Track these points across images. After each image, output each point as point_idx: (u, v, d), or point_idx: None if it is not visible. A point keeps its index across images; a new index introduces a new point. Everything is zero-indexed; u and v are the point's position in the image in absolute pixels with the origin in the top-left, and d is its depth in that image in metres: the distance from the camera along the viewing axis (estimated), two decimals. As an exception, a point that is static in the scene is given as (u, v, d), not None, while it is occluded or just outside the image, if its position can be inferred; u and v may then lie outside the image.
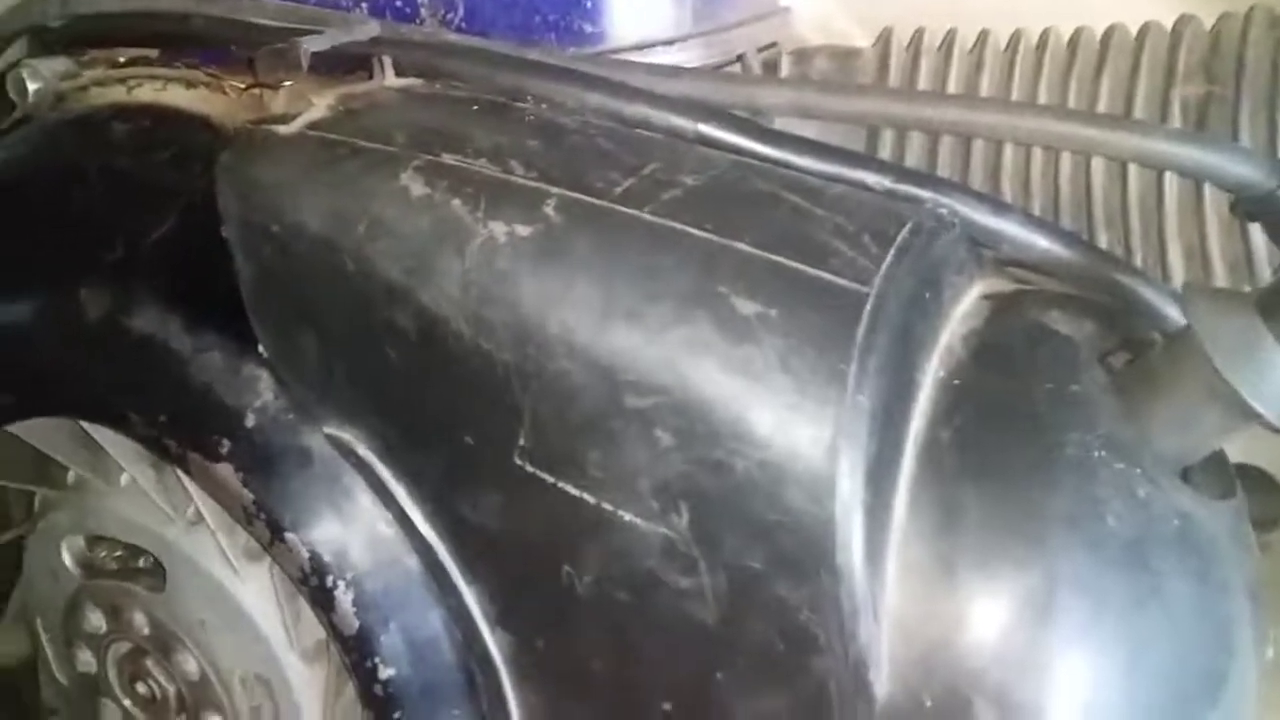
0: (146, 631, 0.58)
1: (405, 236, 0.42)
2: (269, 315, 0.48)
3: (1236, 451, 0.48)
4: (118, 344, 0.52)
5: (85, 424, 0.55)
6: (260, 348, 0.47)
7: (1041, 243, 0.46)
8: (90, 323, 0.53)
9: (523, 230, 0.40)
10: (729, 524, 0.39)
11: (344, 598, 0.47)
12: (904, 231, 0.41)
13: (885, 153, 0.56)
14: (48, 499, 0.62)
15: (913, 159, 0.55)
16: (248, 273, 0.47)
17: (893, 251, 0.40)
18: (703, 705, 0.42)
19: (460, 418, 0.43)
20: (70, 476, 0.60)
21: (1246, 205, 0.42)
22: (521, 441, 0.41)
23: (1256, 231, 0.48)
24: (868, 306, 0.38)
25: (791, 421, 0.38)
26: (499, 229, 0.41)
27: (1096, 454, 0.39)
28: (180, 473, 0.51)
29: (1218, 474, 0.44)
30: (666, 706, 0.42)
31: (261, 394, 0.48)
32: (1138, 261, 0.51)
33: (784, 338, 0.38)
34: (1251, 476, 0.60)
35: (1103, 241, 0.52)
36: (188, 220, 0.51)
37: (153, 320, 0.51)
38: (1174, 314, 0.46)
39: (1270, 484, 0.60)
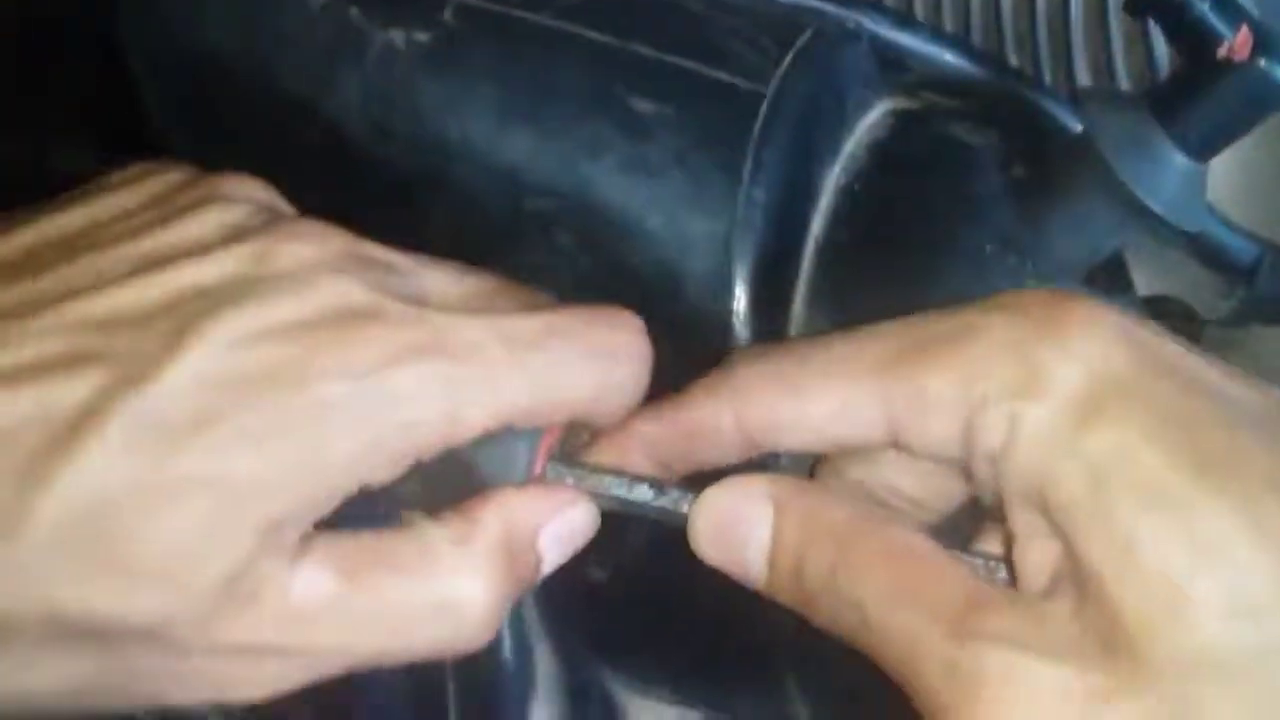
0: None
1: (307, 48, 0.42)
2: (180, 147, 0.47)
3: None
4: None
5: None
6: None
7: (948, 57, 0.47)
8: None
9: (421, 36, 0.40)
10: (630, 323, 0.40)
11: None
12: (805, 37, 0.42)
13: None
14: None
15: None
16: (155, 105, 0.47)
17: (792, 54, 0.40)
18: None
19: (368, 231, 0.44)
20: None
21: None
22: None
23: (1158, 44, 0.48)
24: (764, 105, 0.39)
25: (687, 217, 0.38)
26: (397, 35, 0.41)
27: (988, 248, 0.40)
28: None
29: (1115, 277, 0.45)
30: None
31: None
32: (1047, 81, 0.52)
33: (680, 135, 0.38)
34: (1168, 306, 0.62)
35: (1013, 63, 0.52)
36: (93, 57, 0.51)
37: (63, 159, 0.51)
38: (1076, 129, 0.47)
39: (1187, 314, 0.61)
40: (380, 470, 0.27)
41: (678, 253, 0.38)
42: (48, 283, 0.27)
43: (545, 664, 0.47)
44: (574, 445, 0.32)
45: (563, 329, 0.29)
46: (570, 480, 0.30)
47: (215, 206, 0.29)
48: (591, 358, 0.29)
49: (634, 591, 0.44)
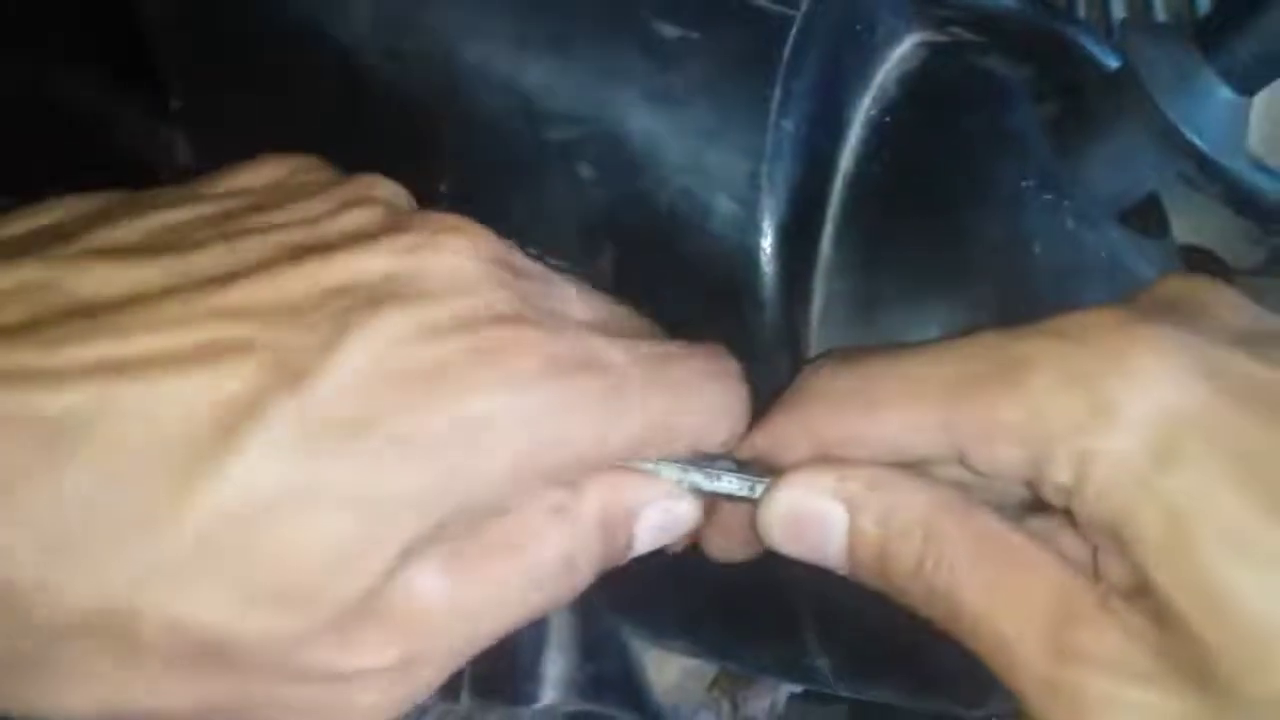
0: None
1: (314, -30, 0.40)
2: (183, 72, 0.46)
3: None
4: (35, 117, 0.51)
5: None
6: (173, 105, 0.46)
7: (981, -12, 0.45)
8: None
9: (436, -44, 0.39)
10: (652, 260, 0.38)
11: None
12: (835, -39, 0.40)
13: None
14: None
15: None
16: (159, 29, 0.45)
17: (822, -22, 0.39)
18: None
19: (382, 163, 0.42)
20: None
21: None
22: (442, 188, 0.40)
23: (1200, -21, 0.47)
24: (794, 30, 0.37)
25: (714, 149, 0.37)
26: (411, -45, 0.39)
27: (1025, 184, 0.39)
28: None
29: (1151, 216, 0.44)
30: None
31: (178, 158, 0.47)
32: (1081, 14, 0.50)
33: (706, 62, 0.37)
34: (1196, 256, 0.60)
35: (1046, -3, 0.50)
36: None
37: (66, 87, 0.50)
38: (1113, 64, 0.45)
39: (1216, 264, 0.60)
40: (524, 488, 0.26)
41: (703, 186, 0.37)
42: (201, 263, 0.25)
43: (560, 616, 0.46)
44: None
45: (684, 357, 0.30)
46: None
47: (367, 201, 0.28)
48: (710, 388, 0.30)
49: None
